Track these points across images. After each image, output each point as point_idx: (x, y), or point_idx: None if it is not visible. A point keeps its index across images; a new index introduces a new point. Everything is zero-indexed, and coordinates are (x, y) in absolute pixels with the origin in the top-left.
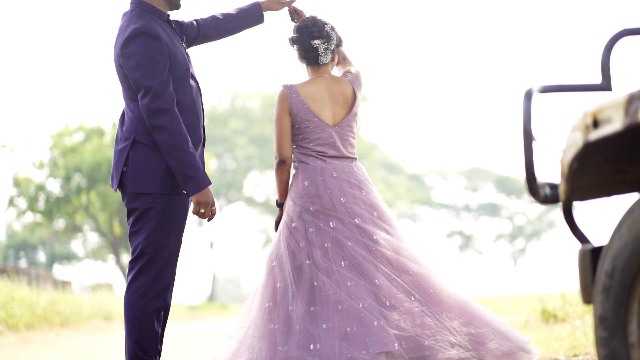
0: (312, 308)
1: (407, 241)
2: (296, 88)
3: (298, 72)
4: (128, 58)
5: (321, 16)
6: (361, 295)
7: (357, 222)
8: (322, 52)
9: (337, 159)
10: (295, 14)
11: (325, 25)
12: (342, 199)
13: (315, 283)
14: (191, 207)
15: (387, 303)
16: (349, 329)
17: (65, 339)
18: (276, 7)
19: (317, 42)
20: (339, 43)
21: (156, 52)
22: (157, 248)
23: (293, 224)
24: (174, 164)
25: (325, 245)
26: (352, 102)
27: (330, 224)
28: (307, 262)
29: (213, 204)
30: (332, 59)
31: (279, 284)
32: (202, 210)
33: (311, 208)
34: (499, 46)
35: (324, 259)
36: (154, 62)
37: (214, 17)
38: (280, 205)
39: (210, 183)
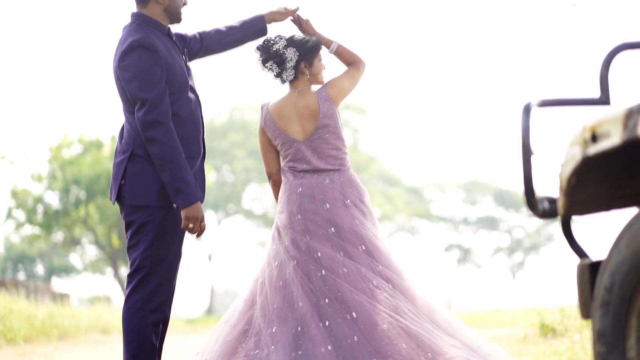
0: (245, 327)
1: (367, 259)
2: (268, 106)
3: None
4: (125, 70)
5: (273, 35)
6: (276, 319)
7: (306, 239)
8: (278, 72)
9: (310, 172)
10: (298, 22)
11: (274, 46)
12: (298, 215)
13: (255, 305)
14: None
15: (293, 330)
16: (252, 353)
17: (64, 352)
18: (279, 17)
19: (268, 64)
20: (304, 56)
21: (153, 64)
22: (155, 261)
23: (270, 242)
24: (166, 177)
25: (275, 264)
26: (317, 114)
27: (285, 242)
28: (260, 280)
29: (202, 220)
30: (302, 73)
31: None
32: (191, 225)
33: (280, 225)
34: (498, 59)
35: (268, 280)
36: (151, 74)
37: (217, 30)
38: None
39: (199, 198)
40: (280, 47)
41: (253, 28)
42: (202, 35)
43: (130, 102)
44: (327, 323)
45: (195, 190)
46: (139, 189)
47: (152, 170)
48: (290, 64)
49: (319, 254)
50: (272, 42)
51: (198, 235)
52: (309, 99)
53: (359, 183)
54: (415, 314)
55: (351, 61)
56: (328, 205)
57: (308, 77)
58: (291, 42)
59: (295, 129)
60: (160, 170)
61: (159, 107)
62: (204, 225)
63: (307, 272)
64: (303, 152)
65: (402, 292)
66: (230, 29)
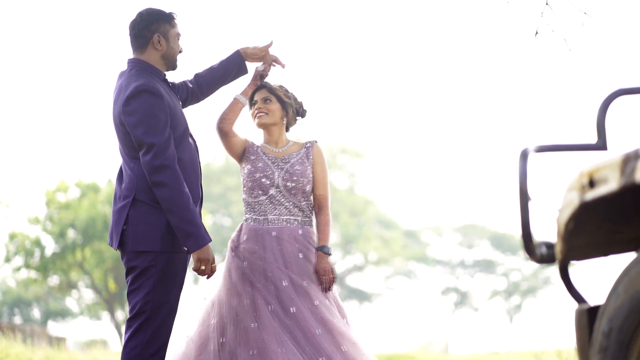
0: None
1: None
2: None
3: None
4: (130, 115)
5: None
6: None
7: None
8: None
9: None
10: (268, 65)
11: None
12: None
13: None
14: (191, 263)
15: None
16: None
17: None
18: (251, 51)
19: None
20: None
21: (158, 109)
22: (156, 306)
23: None
24: (175, 221)
25: None
26: None
27: None
28: None
29: (213, 261)
30: None
31: None
32: (203, 267)
33: None
34: (495, 104)
35: None
36: (156, 119)
37: (197, 74)
38: None
39: (210, 240)
40: None
41: (231, 64)
42: (186, 83)
43: (133, 147)
44: None
45: (204, 232)
46: (142, 234)
47: (155, 215)
48: None
49: None
50: None
51: (209, 277)
52: None
53: (238, 230)
54: None
55: None
56: None
57: None
58: None
59: None
60: (168, 214)
61: (165, 151)
62: (215, 267)
63: None
64: None
65: None
66: (209, 70)
